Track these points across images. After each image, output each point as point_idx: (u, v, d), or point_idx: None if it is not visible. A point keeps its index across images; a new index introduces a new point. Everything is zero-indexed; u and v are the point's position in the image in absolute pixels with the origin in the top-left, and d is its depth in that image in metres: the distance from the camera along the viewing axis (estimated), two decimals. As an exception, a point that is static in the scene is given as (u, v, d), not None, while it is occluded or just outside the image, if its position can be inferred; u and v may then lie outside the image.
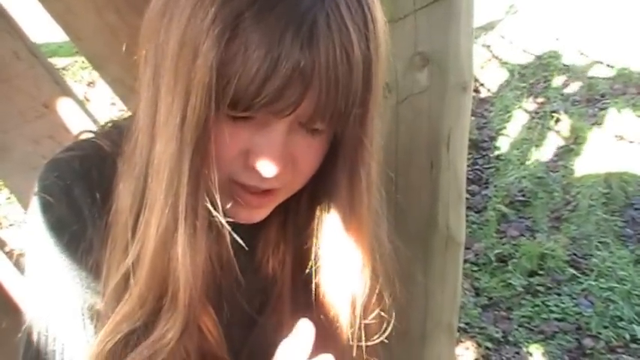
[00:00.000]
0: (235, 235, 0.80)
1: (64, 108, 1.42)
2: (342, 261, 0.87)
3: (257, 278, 0.93)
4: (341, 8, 0.70)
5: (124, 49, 0.92)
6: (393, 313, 0.95)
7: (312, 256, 0.89)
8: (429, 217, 1.39)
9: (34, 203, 0.86)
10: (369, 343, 0.93)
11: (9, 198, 4.26)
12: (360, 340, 0.91)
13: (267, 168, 0.75)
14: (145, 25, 0.77)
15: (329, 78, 0.70)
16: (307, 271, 0.90)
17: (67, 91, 1.43)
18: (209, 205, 0.76)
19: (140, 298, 0.79)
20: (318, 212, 0.88)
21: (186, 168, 0.73)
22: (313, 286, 0.90)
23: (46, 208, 0.84)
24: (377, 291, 0.91)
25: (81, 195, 0.85)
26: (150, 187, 0.77)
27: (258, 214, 0.85)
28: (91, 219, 0.85)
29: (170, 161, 0.73)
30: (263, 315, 0.95)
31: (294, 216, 0.92)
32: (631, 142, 5.03)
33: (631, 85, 5.84)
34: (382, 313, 0.93)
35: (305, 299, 0.91)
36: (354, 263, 0.87)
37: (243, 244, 0.83)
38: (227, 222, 0.79)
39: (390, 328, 0.95)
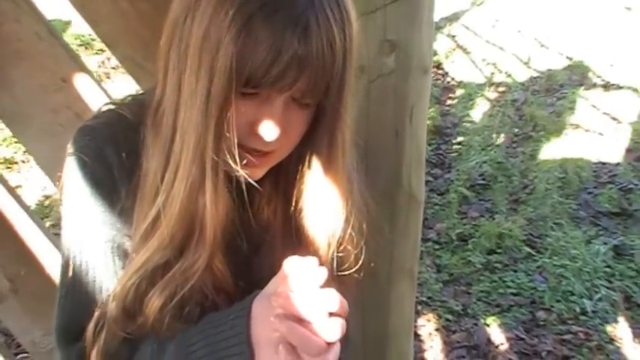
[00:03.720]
0: (254, 183, 0.96)
1: (80, 82, 1.51)
2: (321, 209, 1.03)
3: (253, 225, 1.06)
4: (326, 10, 0.85)
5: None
6: (363, 255, 1.09)
7: (298, 206, 1.04)
8: (394, 178, 1.51)
9: (71, 162, 0.98)
10: (343, 273, 1.08)
11: None
12: (334, 270, 1.06)
13: (269, 133, 0.90)
14: (168, 22, 0.91)
15: (318, 63, 0.85)
16: (294, 217, 1.05)
17: (82, 67, 1.52)
18: (230, 162, 0.90)
19: (169, 234, 0.93)
20: (303, 171, 1.02)
21: (211, 134, 0.87)
22: (299, 229, 1.05)
23: (82, 166, 0.97)
24: (349, 232, 1.05)
25: (111, 155, 0.98)
26: (174, 149, 0.91)
27: (259, 172, 0.98)
28: (119, 175, 0.98)
29: (196, 129, 0.87)
30: (259, 254, 1.07)
31: (284, 175, 1.05)
32: (586, 130, 5.10)
33: (588, 77, 5.87)
34: (350, 248, 1.07)
35: (293, 240, 1.05)
36: (331, 210, 1.02)
37: (258, 187, 0.98)
38: (231, 179, 0.94)
39: (359, 264, 1.10)
